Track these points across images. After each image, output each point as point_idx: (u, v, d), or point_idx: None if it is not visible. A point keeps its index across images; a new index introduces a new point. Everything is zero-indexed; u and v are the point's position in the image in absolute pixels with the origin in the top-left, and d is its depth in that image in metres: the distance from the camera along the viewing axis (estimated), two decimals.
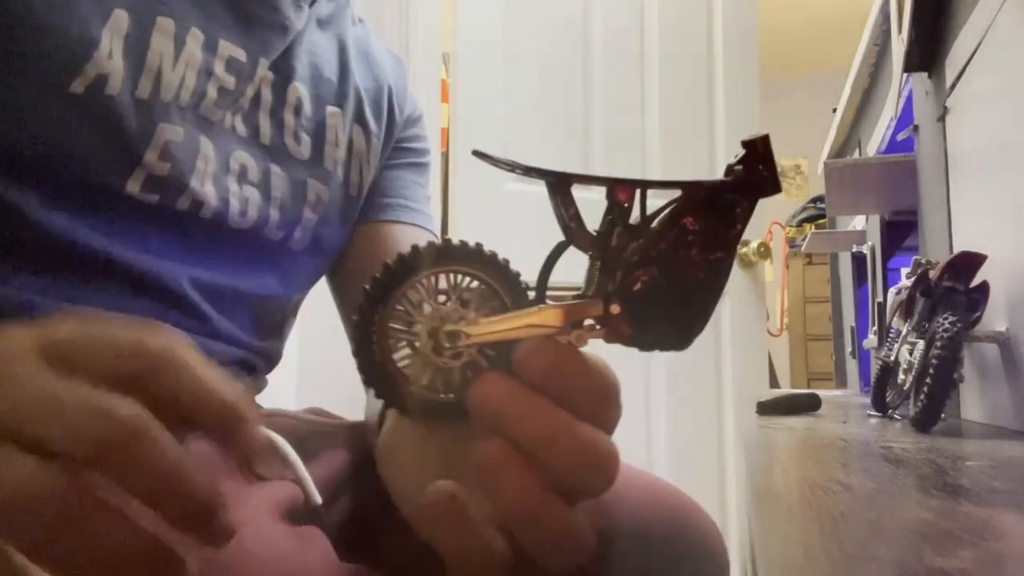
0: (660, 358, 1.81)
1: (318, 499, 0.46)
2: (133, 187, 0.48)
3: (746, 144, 0.29)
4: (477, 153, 0.30)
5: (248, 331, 0.57)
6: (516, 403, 0.29)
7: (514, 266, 0.31)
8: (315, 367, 1.37)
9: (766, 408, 0.92)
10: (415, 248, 0.30)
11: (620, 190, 0.29)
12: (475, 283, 0.30)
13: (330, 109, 0.61)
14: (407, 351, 0.31)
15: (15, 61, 0.44)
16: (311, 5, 0.62)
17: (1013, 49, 0.69)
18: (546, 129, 1.73)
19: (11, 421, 0.25)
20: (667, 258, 0.29)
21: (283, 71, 0.58)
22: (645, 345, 0.30)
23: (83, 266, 0.47)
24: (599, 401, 0.30)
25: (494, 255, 0.30)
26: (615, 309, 0.29)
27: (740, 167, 0.29)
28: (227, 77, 0.53)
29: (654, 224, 0.29)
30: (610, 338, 0.30)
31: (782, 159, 4.99)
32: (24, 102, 0.44)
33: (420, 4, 1.72)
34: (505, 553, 0.30)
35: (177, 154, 0.49)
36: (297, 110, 0.59)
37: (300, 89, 0.59)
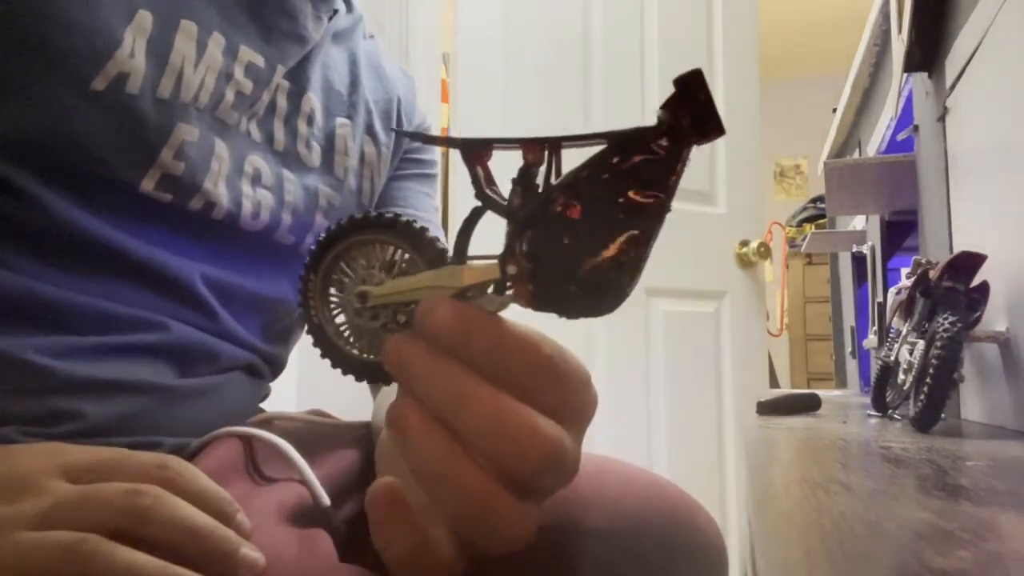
0: (660, 358, 1.81)
1: (326, 500, 0.46)
2: (148, 185, 0.49)
3: (677, 82, 0.25)
4: (396, 131, 0.31)
5: (257, 334, 0.58)
6: (417, 362, 0.28)
7: (430, 234, 0.31)
8: (315, 368, 1.37)
9: (766, 408, 0.92)
10: (339, 220, 0.32)
11: (530, 151, 0.27)
12: (400, 252, 0.31)
13: (340, 120, 0.63)
14: (343, 316, 0.32)
15: (38, 55, 0.44)
16: (329, 19, 0.63)
17: (1013, 49, 0.70)
18: (546, 129, 1.73)
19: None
20: (576, 217, 0.26)
21: (299, 81, 0.59)
22: (554, 308, 0.27)
23: (96, 258, 0.48)
24: (525, 372, 0.28)
25: (409, 223, 0.30)
26: (511, 269, 0.28)
27: (664, 112, 0.25)
28: (246, 81, 0.54)
29: (563, 181, 0.27)
30: (518, 301, 0.28)
31: (782, 159, 5.00)
32: (46, 96, 0.45)
33: (420, 4, 1.72)
34: (451, 557, 0.29)
35: (191, 154, 0.50)
36: (310, 120, 0.60)
37: (313, 100, 0.60)
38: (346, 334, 0.33)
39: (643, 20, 1.87)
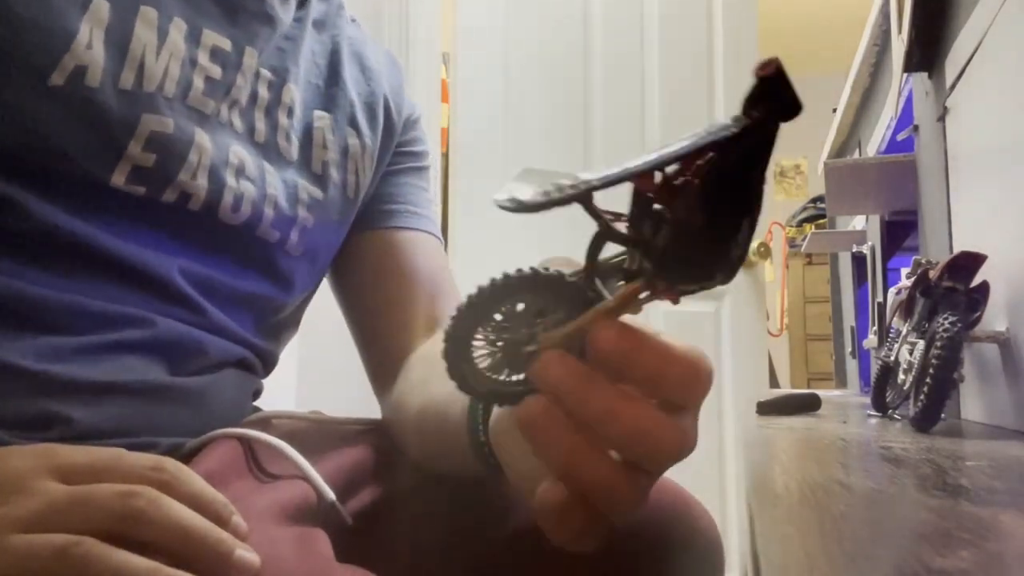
0: None
1: (331, 495, 0.46)
2: (118, 179, 0.48)
3: (763, 79, 0.28)
4: (501, 204, 0.30)
5: (248, 329, 0.57)
6: (570, 377, 0.30)
7: (552, 272, 0.32)
8: (315, 368, 1.37)
9: (766, 408, 0.92)
10: (471, 296, 0.32)
11: (642, 180, 0.29)
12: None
13: (318, 113, 0.62)
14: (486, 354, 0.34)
15: None
16: (301, 3, 0.62)
17: (1013, 49, 0.69)
18: (546, 129, 1.73)
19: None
20: (698, 223, 0.29)
21: (280, 72, 0.58)
22: (696, 291, 0.31)
23: (74, 256, 0.47)
24: (675, 380, 0.30)
25: (544, 275, 0.32)
26: (660, 285, 0.30)
27: (754, 105, 0.28)
28: (212, 67, 0.53)
29: (679, 193, 0.29)
30: (664, 299, 0.31)
31: (782, 159, 5.00)
32: (5, 96, 0.44)
33: (420, 4, 1.72)
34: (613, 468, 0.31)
35: (165, 145, 0.49)
36: (290, 111, 0.59)
37: (293, 91, 0.59)
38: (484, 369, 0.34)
39: (643, 20, 1.87)
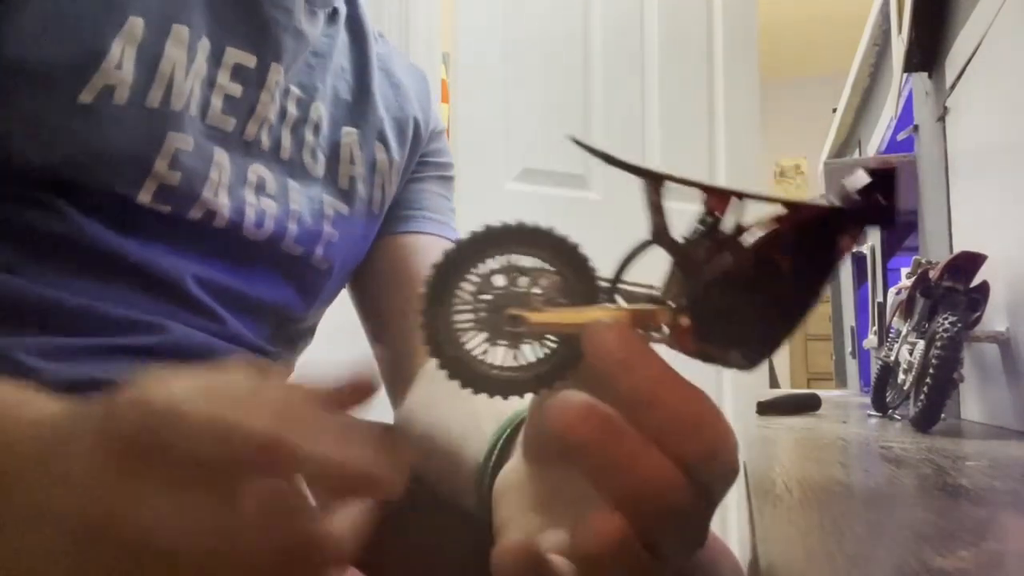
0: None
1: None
2: (145, 197, 0.48)
3: (874, 173, 0.26)
4: (575, 140, 0.28)
5: (264, 338, 0.57)
6: (632, 352, 0.26)
7: (586, 253, 0.28)
8: (315, 367, 1.37)
9: (766, 408, 0.92)
10: (487, 226, 0.29)
11: (714, 198, 0.27)
12: (542, 266, 0.29)
13: (346, 129, 0.61)
14: (478, 337, 0.29)
15: (22, 73, 0.44)
16: (329, 19, 0.62)
17: (1013, 49, 0.69)
18: (546, 129, 1.74)
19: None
20: (752, 279, 0.27)
21: (308, 90, 0.58)
22: (708, 359, 0.28)
23: (91, 261, 0.47)
24: (668, 414, 0.26)
25: (568, 242, 0.28)
26: (684, 322, 0.27)
27: (860, 196, 0.26)
28: (232, 85, 0.53)
29: (745, 239, 0.27)
30: (672, 346, 0.28)
31: (782, 159, 5.00)
32: (35, 113, 0.45)
33: (420, 4, 1.72)
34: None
35: (187, 163, 0.50)
36: (316, 129, 0.59)
37: (320, 108, 0.59)
38: (473, 351, 0.30)
39: (643, 21, 1.88)
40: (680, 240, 0.28)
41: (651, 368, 0.26)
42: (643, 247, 0.28)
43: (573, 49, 1.80)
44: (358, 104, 0.63)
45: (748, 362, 0.28)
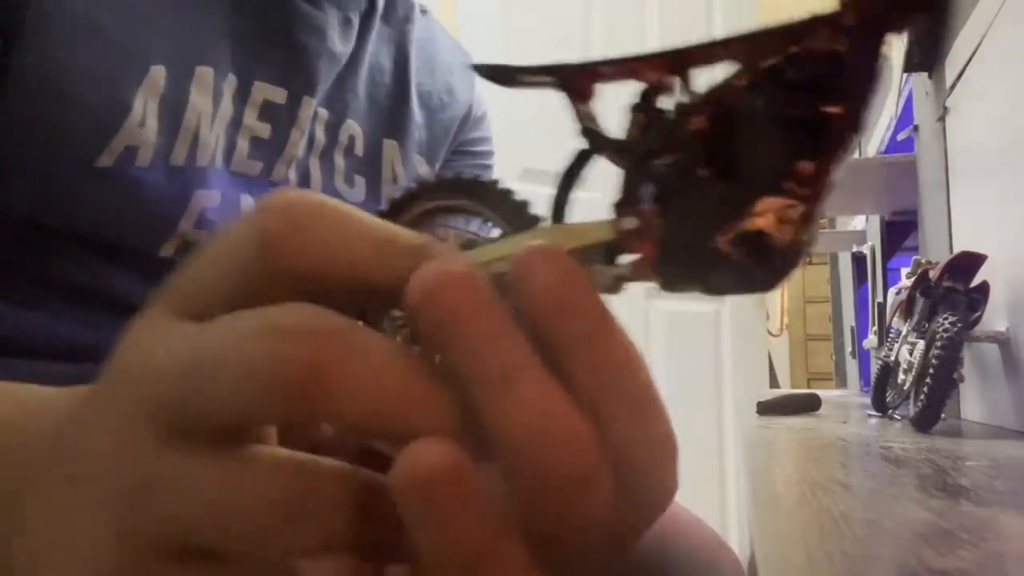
0: (660, 358, 1.81)
1: None
2: (167, 250, 0.46)
3: None
4: (477, 66, 0.22)
5: None
6: (471, 310, 0.17)
7: (518, 197, 0.23)
8: None
9: (766, 408, 0.92)
10: (406, 187, 0.25)
11: (648, 69, 0.19)
12: (483, 223, 0.24)
13: (387, 142, 0.57)
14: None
15: (36, 134, 0.41)
16: (363, 18, 0.55)
17: (1013, 49, 0.70)
18: (546, 129, 1.73)
19: None
20: (715, 133, 0.19)
21: (337, 109, 0.54)
22: (689, 280, 0.19)
23: (114, 306, 0.46)
24: (616, 389, 0.18)
25: (492, 185, 0.23)
26: (630, 223, 0.20)
27: None
28: (260, 125, 0.49)
29: (700, 101, 0.19)
30: (638, 272, 0.20)
31: None
32: (51, 175, 0.42)
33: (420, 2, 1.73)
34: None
35: (213, 219, 0.47)
36: (348, 150, 0.55)
37: (353, 126, 0.55)
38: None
39: (643, 21, 1.88)
40: (614, 135, 0.21)
41: (590, 315, 0.18)
42: (582, 160, 0.22)
43: (573, 46, 1.80)
44: (396, 107, 0.58)
45: (749, 277, 0.19)
